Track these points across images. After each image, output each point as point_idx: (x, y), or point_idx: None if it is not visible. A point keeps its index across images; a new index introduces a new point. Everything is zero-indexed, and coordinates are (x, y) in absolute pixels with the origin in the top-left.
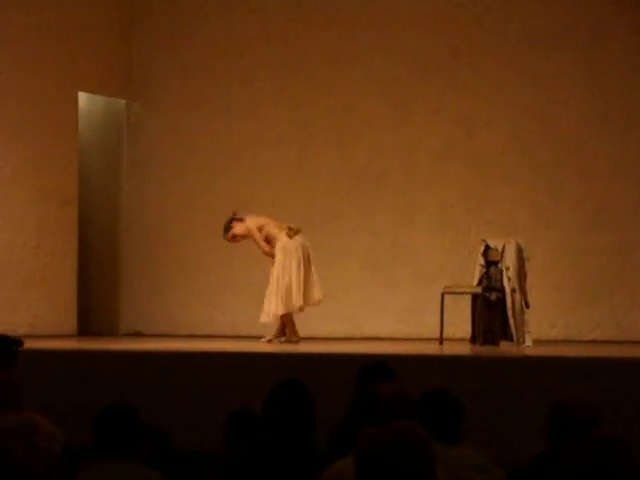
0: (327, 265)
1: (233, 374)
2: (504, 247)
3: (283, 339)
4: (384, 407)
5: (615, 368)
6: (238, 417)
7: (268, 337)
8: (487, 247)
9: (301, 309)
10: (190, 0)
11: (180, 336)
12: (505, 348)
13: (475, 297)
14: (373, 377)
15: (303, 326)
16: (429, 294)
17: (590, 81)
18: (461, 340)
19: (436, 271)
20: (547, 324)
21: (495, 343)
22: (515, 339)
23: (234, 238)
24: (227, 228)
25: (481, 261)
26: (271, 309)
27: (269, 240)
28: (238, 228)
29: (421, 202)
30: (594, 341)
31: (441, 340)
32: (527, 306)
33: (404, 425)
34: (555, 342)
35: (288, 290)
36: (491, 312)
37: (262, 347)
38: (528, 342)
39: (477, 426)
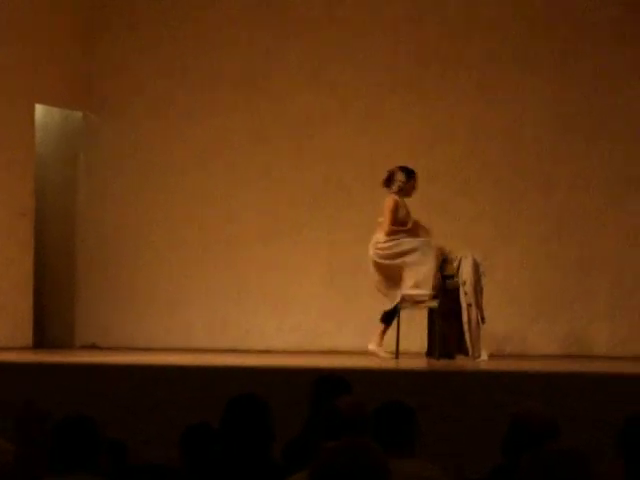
0: (287, 278)
1: (190, 387)
2: (460, 261)
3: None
4: (341, 421)
5: (572, 382)
6: (194, 431)
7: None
8: (444, 261)
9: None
10: (149, 12)
11: (136, 349)
12: (461, 362)
13: (431, 311)
14: (330, 391)
15: (261, 339)
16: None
17: (550, 94)
18: (417, 354)
19: None
20: (504, 338)
21: (451, 357)
22: (471, 353)
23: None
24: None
25: (438, 275)
26: None
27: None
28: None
29: (381, 214)
30: (552, 355)
31: (397, 354)
32: (483, 321)
33: (360, 440)
34: (512, 356)
35: None
36: (447, 326)
37: (217, 360)
38: (484, 356)
39: (434, 439)
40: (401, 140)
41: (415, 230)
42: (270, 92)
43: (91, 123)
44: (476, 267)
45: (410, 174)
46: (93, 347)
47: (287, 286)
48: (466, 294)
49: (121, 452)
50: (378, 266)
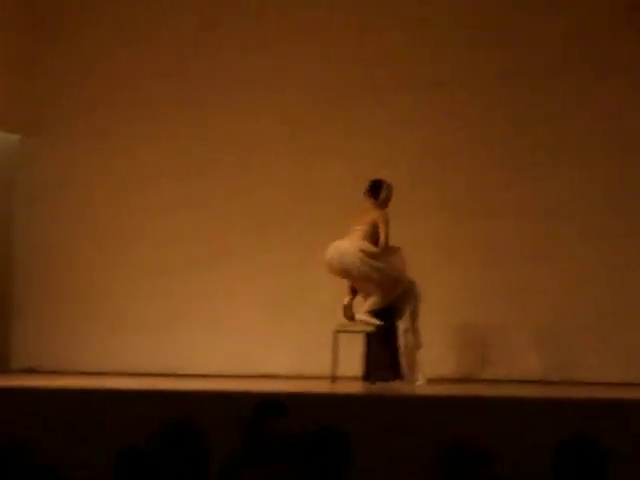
0: (222, 302)
1: (125, 412)
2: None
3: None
4: (276, 446)
5: (506, 406)
6: (128, 455)
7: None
8: None
9: None
10: (91, 34)
11: (74, 372)
12: (397, 386)
13: (368, 335)
14: (265, 415)
15: (195, 363)
16: (324, 332)
17: (491, 118)
18: (354, 378)
19: (331, 309)
20: (440, 362)
21: (387, 381)
22: (407, 378)
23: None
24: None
25: None
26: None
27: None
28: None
29: (319, 240)
30: (487, 380)
31: (334, 378)
32: (419, 346)
33: (289, 467)
34: (450, 380)
35: None
36: (383, 350)
37: (154, 384)
38: (421, 381)
39: (368, 463)
40: (341, 164)
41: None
42: (209, 115)
43: (29, 146)
44: (413, 291)
45: (391, 188)
46: (30, 371)
47: (223, 310)
48: (402, 319)
49: (54, 477)
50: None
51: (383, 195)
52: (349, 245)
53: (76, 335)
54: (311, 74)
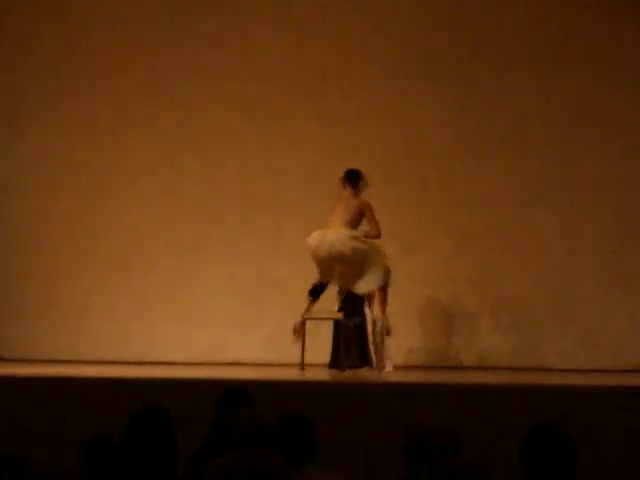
0: (191, 290)
1: (93, 400)
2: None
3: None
4: (241, 434)
5: (476, 393)
6: (95, 444)
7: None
8: None
9: None
10: (57, 24)
11: (43, 361)
12: (365, 373)
13: (337, 323)
14: (232, 403)
15: (166, 351)
16: (293, 320)
17: (455, 111)
18: (322, 366)
19: (300, 297)
20: (407, 350)
21: (356, 368)
22: (375, 365)
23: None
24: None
25: None
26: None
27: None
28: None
29: (286, 227)
30: (454, 367)
31: (302, 366)
32: (388, 333)
33: (254, 453)
34: (417, 368)
35: None
36: (352, 338)
37: (122, 372)
38: (388, 367)
39: (337, 451)
40: (305, 154)
41: None
42: (174, 105)
43: None
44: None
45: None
46: None
47: (192, 298)
48: (371, 306)
49: (19, 467)
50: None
51: (362, 185)
52: (340, 234)
53: (44, 323)
54: (284, 64)
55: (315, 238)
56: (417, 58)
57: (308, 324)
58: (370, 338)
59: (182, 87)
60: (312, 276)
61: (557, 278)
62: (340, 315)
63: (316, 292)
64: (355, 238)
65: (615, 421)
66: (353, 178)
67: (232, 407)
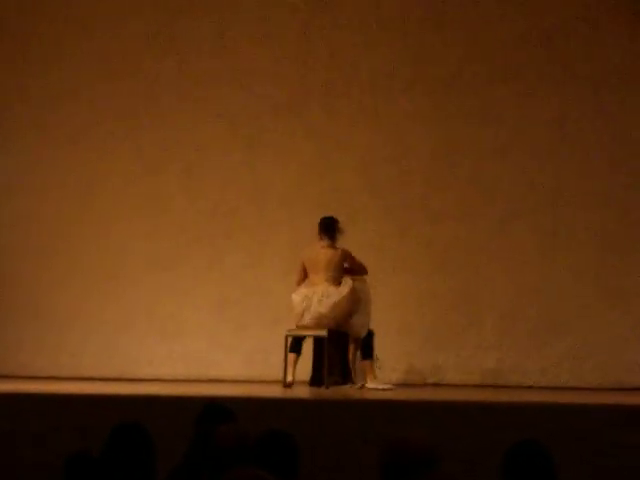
0: (174, 306)
1: (73, 416)
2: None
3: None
4: (221, 451)
5: (459, 410)
6: (76, 460)
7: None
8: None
9: None
10: (39, 35)
11: (23, 377)
12: (348, 391)
13: (317, 340)
14: (212, 420)
15: (148, 367)
16: (275, 336)
17: (438, 124)
18: (304, 382)
19: (283, 313)
20: (390, 367)
21: (338, 384)
22: (357, 382)
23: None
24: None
25: None
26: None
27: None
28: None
29: (271, 243)
30: (437, 384)
31: (285, 382)
32: (368, 356)
33: (245, 472)
34: (399, 385)
35: None
36: (334, 355)
37: (104, 389)
38: (370, 385)
39: (318, 468)
40: (290, 168)
41: None
42: (158, 119)
43: None
44: (364, 293)
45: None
46: None
47: (175, 314)
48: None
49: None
50: (353, 301)
51: (338, 235)
52: (323, 308)
53: (26, 339)
54: (268, 79)
55: (299, 303)
56: (401, 72)
57: (291, 340)
58: (351, 357)
59: (166, 102)
60: (295, 291)
61: (540, 295)
62: (323, 332)
63: (297, 345)
64: (338, 305)
65: (598, 439)
66: (329, 229)
67: (212, 423)
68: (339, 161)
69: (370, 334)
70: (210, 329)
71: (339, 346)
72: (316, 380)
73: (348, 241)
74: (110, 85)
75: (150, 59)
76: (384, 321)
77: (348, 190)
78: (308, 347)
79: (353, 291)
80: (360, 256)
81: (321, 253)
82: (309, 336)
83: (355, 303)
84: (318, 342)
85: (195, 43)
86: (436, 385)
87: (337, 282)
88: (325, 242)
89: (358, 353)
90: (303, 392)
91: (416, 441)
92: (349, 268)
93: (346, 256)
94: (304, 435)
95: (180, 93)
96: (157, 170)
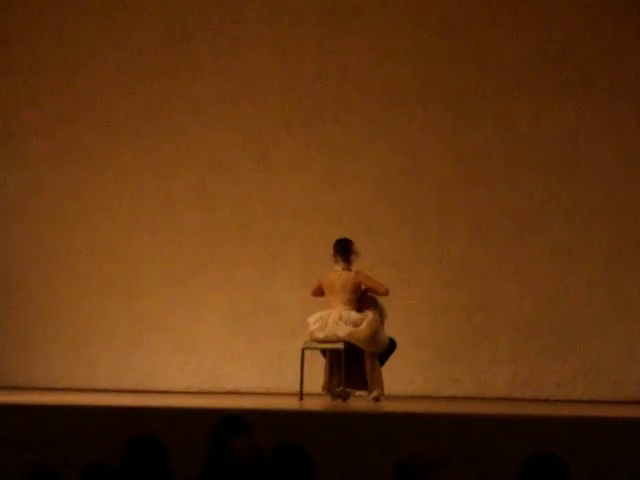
0: (188, 318)
1: (88, 428)
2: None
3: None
4: (236, 463)
5: (473, 423)
6: (92, 472)
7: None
8: None
9: None
10: (53, 52)
11: (38, 389)
12: (362, 403)
13: (335, 352)
14: (227, 432)
15: (162, 379)
16: (290, 349)
17: (453, 138)
18: (320, 395)
19: (297, 326)
20: (406, 379)
21: (352, 396)
22: (372, 394)
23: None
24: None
25: None
26: None
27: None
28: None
29: (285, 256)
30: (452, 397)
31: (301, 395)
32: (381, 363)
33: None
34: (414, 398)
35: None
36: (350, 366)
37: (118, 401)
38: (384, 397)
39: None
40: (304, 181)
41: None
42: (172, 133)
43: None
44: (378, 309)
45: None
46: None
47: (189, 327)
48: None
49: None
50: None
51: (353, 257)
52: (339, 329)
53: (40, 351)
54: (283, 92)
55: (313, 324)
56: (415, 86)
57: (307, 353)
58: (367, 367)
59: (180, 116)
60: (309, 305)
61: (554, 308)
62: (340, 345)
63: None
64: (354, 334)
65: (613, 452)
66: (344, 251)
67: (227, 436)
68: (353, 174)
69: (392, 345)
70: (224, 342)
71: (355, 357)
72: (330, 390)
73: (362, 254)
74: (124, 99)
75: (164, 73)
76: (399, 333)
77: (362, 203)
78: (320, 360)
79: (373, 323)
80: (374, 269)
81: (337, 275)
82: (325, 349)
83: (374, 332)
84: (334, 354)
85: (209, 58)
86: (451, 398)
87: (354, 305)
88: (340, 265)
89: (374, 364)
90: (318, 404)
91: (424, 455)
92: (367, 289)
93: (361, 278)
94: (319, 447)
95: (194, 107)
96: (171, 184)
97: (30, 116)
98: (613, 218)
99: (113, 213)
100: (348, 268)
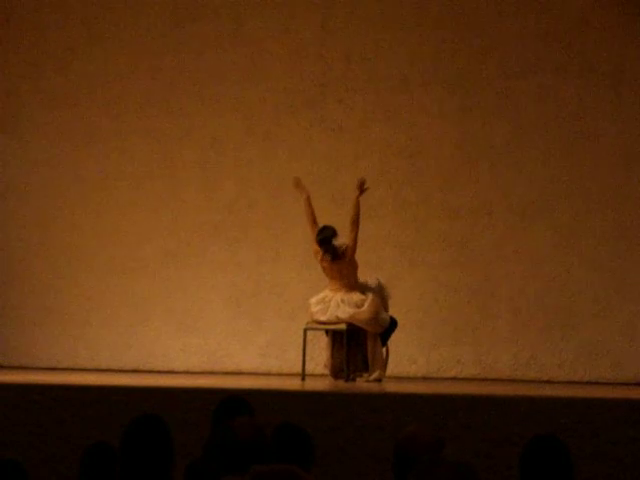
0: (190, 299)
1: (91, 408)
2: (366, 284)
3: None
4: (239, 443)
5: (475, 405)
6: (94, 452)
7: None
8: None
9: None
10: (57, 32)
11: (40, 369)
12: (364, 384)
13: (335, 333)
14: (230, 413)
15: (164, 359)
16: (292, 329)
17: (455, 119)
18: (322, 376)
19: (300, 306)
20: (408, 360)
21: (354, 379)
22: (374, 375)
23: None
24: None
25: None
26: None
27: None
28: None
29: (287, 237)
30: (454, 378)
31: (303, 376)
32: (383, 342)
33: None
34: (416, 379)
35: None
36: (352, 347)
37: (121, 381)
38: (385, 378)
39: (334, 461)
40: (306, 162)
41: None
42: (175, 113)
43: None
44: (381, 289)
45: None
46: None
47: (191, 307)
48: None
49: (19, 472)
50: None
51: (335, 242)
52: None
53: (42, 330)
54: (285, 73)
55: (314, 304)
56: (418, 68)
57: (309, 334)
58: (369, 348)
59: (183, 96)
60: (311, 285)
61: (556, 289)
62: (342, 326)
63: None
64: (356, 315)
65: (614, 433)
66: (326, 242)
67: (229, 416)
68: (356, 156)
69: (394, 323)
70: (226, 322)
71: (357, 338)
72: (337, 373)
73: (365, 235)
74: (126, 81)
75: (167, 54)
76: (401, 315)
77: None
78: (322, 339)
79: (374, 303)
80: (376, 250)
81: (330, 264)
82: (328, 330)
83: (376, 313)
84: (337, 335)
85: (212, 38)
86: (453, 379)
87: (353, 286)
88: (328, 257)
89: (376, 346)
90: (320, 385)
91: (422, 435)
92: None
93: (347, 255)
94: (321, 428)
95: (197, 88)
96: (173, 165)
97: (32, 97)
98: (615, 200)
99: (116, 194)
100: (338, 256)
